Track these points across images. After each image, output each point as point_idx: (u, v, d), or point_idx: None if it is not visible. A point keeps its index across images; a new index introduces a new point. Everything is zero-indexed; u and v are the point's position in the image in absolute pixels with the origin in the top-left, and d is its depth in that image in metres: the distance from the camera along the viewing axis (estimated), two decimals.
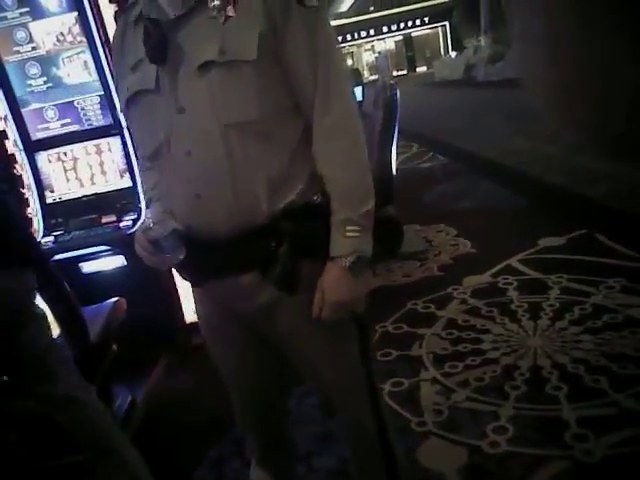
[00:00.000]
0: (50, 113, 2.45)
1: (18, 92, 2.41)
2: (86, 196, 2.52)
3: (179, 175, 1.03)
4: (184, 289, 2.63)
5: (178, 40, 0.98)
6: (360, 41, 31.04)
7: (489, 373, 2.11)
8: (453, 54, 21.51)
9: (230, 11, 0.96)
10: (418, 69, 30.39)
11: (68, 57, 2.38)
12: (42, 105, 2.44)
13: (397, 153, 3.56)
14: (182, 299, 2.64)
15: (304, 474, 1.77)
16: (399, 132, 3.46)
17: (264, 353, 1.19)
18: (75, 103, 2.44)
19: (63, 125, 2.47)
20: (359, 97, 8.03)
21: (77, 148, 2.50)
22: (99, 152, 2.52)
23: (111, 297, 2.10)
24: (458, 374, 2.15)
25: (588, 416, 1.78)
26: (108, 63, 2.34)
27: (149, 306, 2.39)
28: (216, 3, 0.96)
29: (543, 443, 1.71)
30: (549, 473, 1.60)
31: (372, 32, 30.34)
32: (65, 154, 2.51)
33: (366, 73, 27.37)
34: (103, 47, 2.33)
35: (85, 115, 2.46)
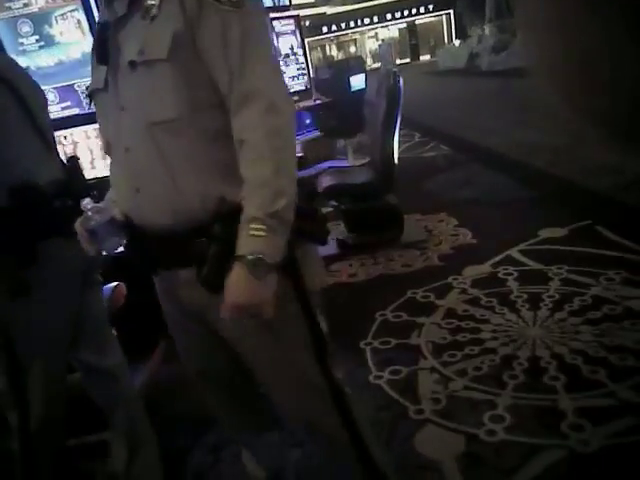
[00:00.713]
0: (50, 96, 2.43)
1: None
2: (87, 180, 2.51)
3: (121, 169, 1.08)
4: None
5: (119, 40, 1.03)
6: (363, 28, 30.76)
7: (487, 362, 2.12)
8: (457, 42, 21.33)
9: (155, 11, 0.98)
10: (422, 57, 30.16)
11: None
12: (42, 88, 2.41)
13: (399, 142, 3.54)
14: None
15: (299, 460, 1.77)
16: (401, 121, 3.44)
17: (222, 346, 1.18)
18: (75, 86, 2.42)
19: (63, 108, 2.46)
20: (362, 85, 7.98)
21: (77, 132, 2.49)
22: (99, 136, 2.50)
23: (111, 282, 2.09)
24: (456, 363, 2.15)
25: (585, 406, 1.79)
26: None
27: (149, 291, 2.38)
28: (147, 3, 0.99)
29: (540, 432, 1.72)
30: (545, 462, 1.61)
31: (376, 19, 30.06)
32: (65, 138, 2.50)
33: (369, 61, 27.16)
34: None
35: (86, 98, 2.45)
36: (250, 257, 0.95)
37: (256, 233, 0.95)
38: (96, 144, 2.52)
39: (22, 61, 2.34)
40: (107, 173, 2.58)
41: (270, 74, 1.01)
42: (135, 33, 1.01)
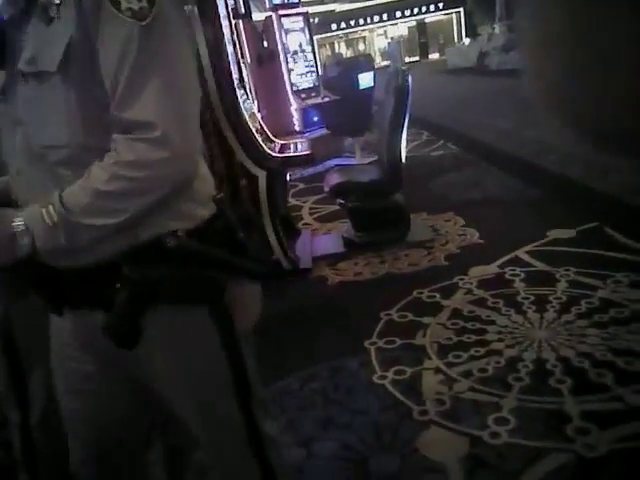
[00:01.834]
0: None
1: None
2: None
3: (16, 192, 0.95)
4: None
5: (19, 43, 0.87)
6: (372, 26, 30.65)
7: (493, 364, 2.11)
8: (467, 41, 21.22)
9: (53, 11, 0.83)
10: (431, 56, 30.02)
11: None
12: None
13: (407, 141, 3.53)
14: None
15: (304, 459, 1.77)
16: (410, 119, 3.42)
17: (125, 393, 1.05)
18: None
19: None
20: (370, 83, 7.96)
21: None
22: None
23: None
24: (461, 364, 2.14)
25: (591, 410, 1.77)
26: None
27: None
28: (42, 1, 0.84)
29: (545, 436, 1.70)
30: (550, 466, 1.59)
31: (385, 17, 29.94)
32: None
33: (378, 59, 27.08)
34: None
35: None
36: (19, 223, 0.84)
37: (46, 215, 0.83)
38: None
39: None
40: None
41: (164, 104, 0.84)
42: (32, 36, 0.86)
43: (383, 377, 2.14)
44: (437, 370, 2.13)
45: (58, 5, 0.82)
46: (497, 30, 17.14)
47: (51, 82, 0.83)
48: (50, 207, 0.84)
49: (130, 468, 1.11)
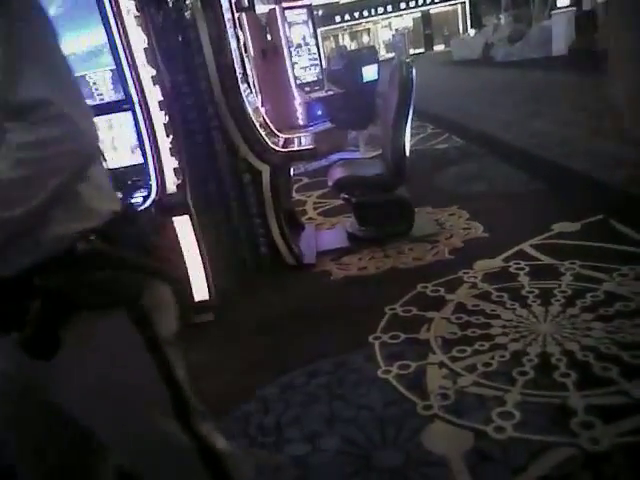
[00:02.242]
0: None
1: None
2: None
3: None
4: (194, 268, 2.65)
5: None
6: (377, 17, 30.46)
7: (497, 358, 2.10)
8: (472, 32, 21.05)
9: None
10: (436, 47, 29.81)
11: None
12: None
13: (411, 134, 3.51)
14: (191, 277, 2.65)
15: (309, 454, 1.78)
16: (414, 112, 3.40)
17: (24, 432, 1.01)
18: (86, 77, 2.42)
19: None
20: (375, 76, 7.91)
21: None
22: (110, 127, 2.51)
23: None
24: (466, 358, 2.14)
25: (596, 404, 1.77)
26: (120, 38, 2.31)
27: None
28: None
29: (549, 430, 1.70)
30: (554, 460, 1.59)
31: (389, 8, 29.74)
32: None
33: (383, 51, 26.92)
34: (115, 21, 2.30)
35: (97, 89, 2.45)
36: None
37: None
38: (107, 135, 2.52)
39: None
40: (117, 165, 2.60)
41: (54, 81, 0.84)
42: None
43: (387, 372, 2.14)
44: (441, 364, 2.13)
45: None
46: (502, 21, 16.99)
47: None
48: None
49: None
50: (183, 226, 2.57)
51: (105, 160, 1.00)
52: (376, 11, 29.79)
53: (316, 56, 6.91)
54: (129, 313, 0.92)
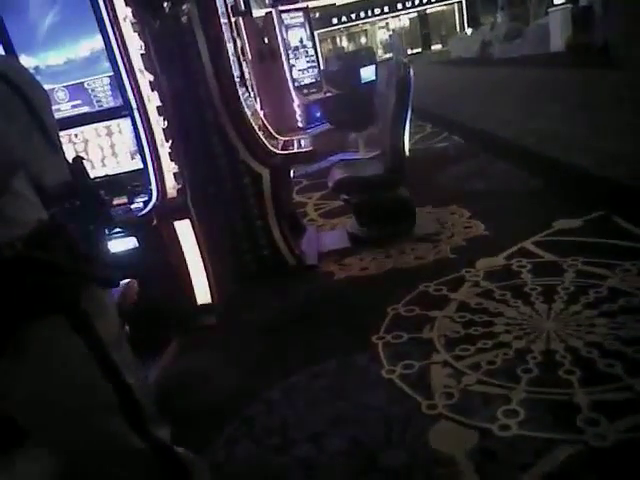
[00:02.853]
0: (60, 94, 2.44)
1: None
2: (97, 178, 2.53)
3: None
4: (196, 271, 2.65)
5: None
6: (374, 19, 30.46)
7: (501, 356, 2.10)
8: (469, 31, 21.06)
9: None
10: (433, 47, 29.80)
11: None
12: (52, 86, 2.43)
13: (410, 133, 3.51)
14: (194, 281, 2.65)
15: (314, 456, 1.78)
16: (413, 112, 3.40)
17: None
18: (85, 84, 2.43)
19: (74, 107, 2.46)
20: (372, 76, 7.92)
21: (88, 130, 2.50)
22: (110, 134, 2.51)
23: (123, 279, 2.10)
24: (470, 357, 2.14)
25: (601, 400, 1.76)
26: (118, 45, 2.32)
27: (161, 288, 2.40)
28: None
29: (554, 427, 1.70)
30: (560, 457, 1.59)
31: (386, 9, 29.74)
32: (76, 136, 2.51)
33: (380, 52, 26.92)
34: (112, 28, 2.31)
35: (95, 96, 2.46)
36: None
37: None
38: (107, 142, 2.53)
39: (31, 60, 2.35)
40: (116, 171, 2.60)
41: None
42: None
43: (391, 371, 2.14)
44: (445, 363, 2.13)
45: None
46: (499, 19, 17.00)
47: None
48: None
49: None
50: (184, 230, 2.58)
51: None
52: (373, 12, 29.79)
53: (314, 58, 6.93)
54: (68, 318, 0.92)
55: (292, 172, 4.07)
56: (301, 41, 6.76)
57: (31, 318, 0.88)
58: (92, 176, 2.51)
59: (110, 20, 2.30)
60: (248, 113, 3.09)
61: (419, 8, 30.06)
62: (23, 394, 0.92)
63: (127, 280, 2.10)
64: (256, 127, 3.13)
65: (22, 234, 0.89)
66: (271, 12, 6.24)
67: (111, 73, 2.39)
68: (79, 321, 0.93)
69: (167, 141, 2.49)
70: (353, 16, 29.33)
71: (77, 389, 0.94)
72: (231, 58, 3.04)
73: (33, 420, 0.96)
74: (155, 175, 2.46)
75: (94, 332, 0.95)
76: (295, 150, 3.31)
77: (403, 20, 31.10)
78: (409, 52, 26.60)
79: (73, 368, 0.94)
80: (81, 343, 0.93)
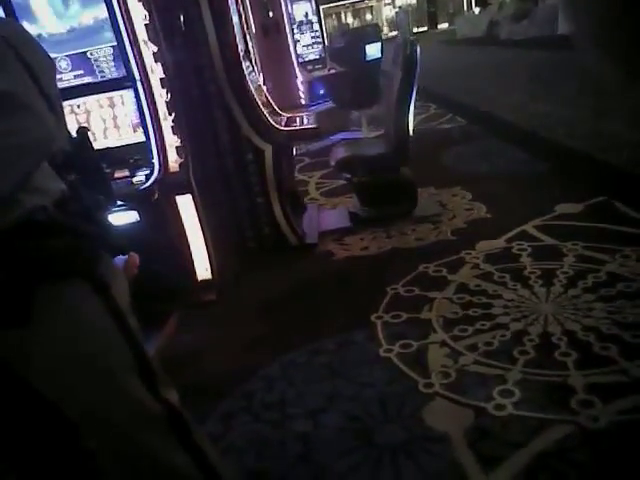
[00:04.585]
0: (63, 64, 2.41)
1: None
2: (99, 150, 2.51)
3: None
4: (196, 247, 2.65)
5: None
6: None
7: (498, 338, 2.12)
8: (477, 10, 20.71)
9: None
10: (440, 26, 29.32)
11: None
12: (55, 55, 2.39)
13: (415, 113, 3.48)
14: (194, 256, 2.66)
15: (311, 431, 1.81)
16: (417, 92, 3.37)
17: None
18: (88, 54, 2.40)
19: (76, 77, 2.43)
20: (378, 54, 7.81)
21: (90, 101, 2.48)
22: (112, 105, 2.49)
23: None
24: (467, 338, 2.15)
25: (596, 383, 1.79)
26: (122, 14, 2.28)
27: (161, 262, 2.40)
28: None
29: (549, 408, 1.72)
30: (554, 437, 1.61)
31: None
32: (78, 106, 2.49)
33: (386, 29, 26.50)
34: None
35: (98, 67, 2.43)
36: None
37: None
38: (109, 113, 2.51)
39: (33, 28, 2.31)
40: (118, 143, 2.58)
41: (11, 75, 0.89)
42: None
43: (389, 350, 2.16)
44: (443, 344, 2.15)
45: None
46: None
47: None
48: None
49: None
50: (185, 205, 2.57)
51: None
52: None
53: (318, 34, 6.82)
54: (88, 281, 0.95)
55: (295, 150, 4.05)
56: (306, 15, 6.65)
57: (56, 281, 0.90)
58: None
59: None
60: (252, 88, 3.05)
61: None
62: (49, 357, 0.94)
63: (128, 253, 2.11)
64: (260, 103, 3.10)
65: (49, 202, 0.91)
66: None
67: (114, 43, 2.36)
68: (99, 284, 0.96)
69: (170, 114, 2.47)
70: None
71: (100, 350, 0.97)
72: (236, 30, 2.99)
73: (59, 383, 0.98)
74: (157, 148, 2.45)
75: (112, 296, 0.98)
76: (298, 127, 3.29)
77: None
78: (415, 30, 26.18)
79: (96, 329, 0.97)
80: (101, 305, 0.96)
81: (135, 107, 2.44)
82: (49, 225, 0.90)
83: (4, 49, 0.92)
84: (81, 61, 2.41)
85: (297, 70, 6.19)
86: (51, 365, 0.95)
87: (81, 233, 0.94)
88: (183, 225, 2.59)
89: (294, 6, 6.40)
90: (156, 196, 2.45)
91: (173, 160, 2.49)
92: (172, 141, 2.48)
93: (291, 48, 6.18)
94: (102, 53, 2.39)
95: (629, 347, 1.92)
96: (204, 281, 2.71)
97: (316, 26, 6.77)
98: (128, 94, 2.44)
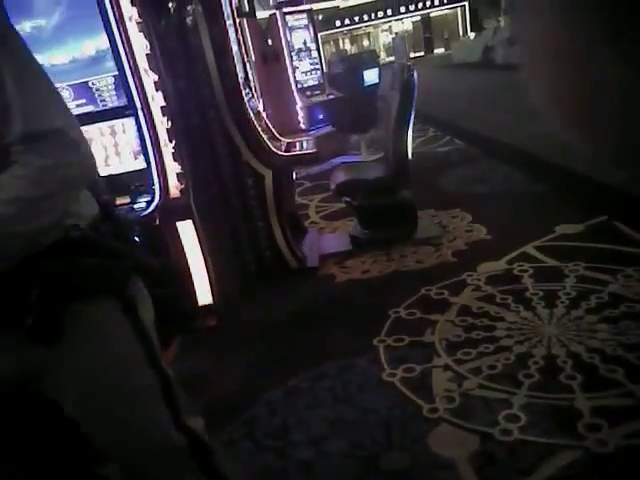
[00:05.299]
0: (65, 93, 2.44)
1: None
2: (100, 177, 2.53)
3: None
4: (197, 272, 2.65)
5: None
6: (377, 22, 30.52)
7: (502, 361, 2.10)
8: (472, 35, 21.08)
9: None
10: (436, 51, 29.85)
11: None
12: (58, 85, 2.42)
13: (413, 137, 3.51)
14: (195, 281, 2.65)
15: (314, 458, 1.77)
16: (415, 115, 3.41)
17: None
18: (90, 83, 2.43)
19: (78, 106, 2.47)
20: (376, 79, 7.93)
21: (92, 129, 2.50)
22: (113, 133, 2.52)
23: None
24: (471, 361, 2.13)
25: (602, 406, 1.76)
26: (123, 44, 2.32)
27: (162, 288, 2.40)
28: None
29: (555, 432, 1.70)
30: (561, 462, 1.59)
31: (389, 12, 29.80)
32: None
33: (383, 55, 26.96)
34: (118, 27, 2.31)
35: (100, 95, 2.46)
36: None
37: None
38: (110, 141, 2.53)
39: (38, 58, 2.34)
40: (120, 170, 2.60)
41: (59, 110, 0.93)
42: None
43: (392, 375, 2.14)
44: (446, 367, 2.13)
45: None
46: (502, 23, 17.02)
47: None
48: None
49: None
50: (186, 230, 2.58)
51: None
52: (376, 15, 29.85)
53: (317, 60, 6.92)
54: (117, 300, 0.96)
55: (294, 174, 4.08)
56: (305, 43, 6.76)
57: (86, 298, 0.92)
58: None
59: (116, 19, 2.30)
60: (251, 114, 3.09)
61: (422, 12, 30.12)
62: (74, 373, 0.95)
63: None
64: (259, 128, 3.13)
65: (84, 223, 0.95)
66: (275, 14, 6.24)
67: (116, 72, 2.39)
68: (127, 303, 0.97)
69: (170, 141, 2.49)
70: (356, 19, 29.40)
71: (124, 370, 0.98)
72: (235, 59, 3.04)
73: (82, 401, 0.98)
74: (158, 175, 2.47)
75: (140, 316, 0.99)
76: (298, 152, 3.32)
77: (406, 23, 31.16)
78: (412, 55, 26.62)
79: (121, 349, 0.97)
80: (129, 326, 0.97)
81: (136, 134, 2.47)
82: (82, 243, 0.92)
83: (55, 86, 0.97)
84: (83, 90, 2.44)
85: (296, 96, 6.26)
86: (72, 381, 0.95)
87: (113, 252, 0.96)
88: (184, 250, 2.59)
89: (293, 34, 6.51)
90: (157, 222, 2.46)
91: (174, 186, 2.51)
92: (173, 167, 2.50)
93: (290, 75, 6.26)
94: (104, 82, 2.43)
95: (635, 369, 1.90)
96: (205, 306, 2.70)
97: (314, 53, 6.88)
98: (129, 122, 2.47)
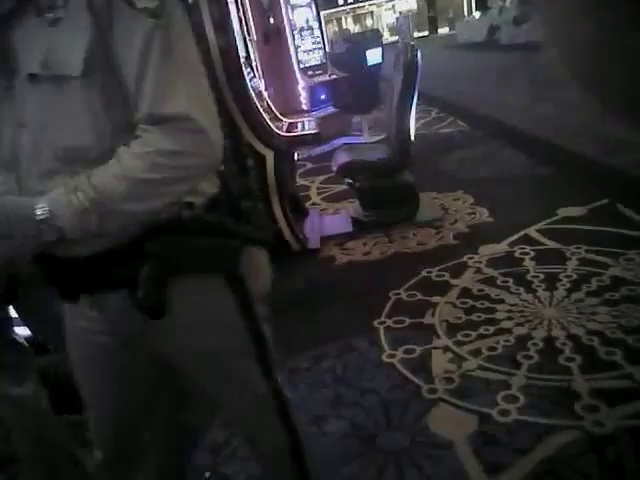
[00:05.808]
0: None
1: None
2: None
3: (15, 190, 0.91)
4: None
5: (12, 42, 0.86)
6: (380, 0, 30.05)
7: (502, 342, 2.11)
8: (477, 15, 20.75)
9: (60, 12, 0.82)
10: (440, 30, 29.41)
11: None
12: None
13: (416, 118, 3.48)
14: None
15: (315, 437, 1.79)
16: (419, 96, 3.37)
17: (137, 375, 1.08)
18: None
19: None
20: (379, 59, 7.83)
21: None
22: None
23: None
24: (471, 343, 2.14)
25: (601, 388, 1.77)
26: None
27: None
28: (41, 1, 0.83)
29: (553, 413, 1.71)
30: (559, 442, 1.60)
31: None
32: None
33: (386, 34, 26.59)
34: None
35: None
36: (43, 209, 0.83)
37: (75, 201, 0.83)
38: None
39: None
40: None
41: (194, 97, 0.89)
42: (32, 37, 0.84)
43: (392, 356, 2.15)
44: (446, 349, 2.14)
45: (62, 6, 0.82)
46: (508, 3, 16.74)
47: (71, 85, 0.83)
48: (79, 193, 0.84)
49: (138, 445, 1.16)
50: None
51: None
52: None
53: (319, 39, 6.83)
54: (227, 279, 0.98)
55: (296, 155, 4.05)
56: (307, 21, 6.65)
57: (194, 276, 0.94)
58: None
59: None
60: (253, 94, 3.06)
61: None
62: (180, 347, 1.01)
63: None
64: (261, 108, 3.10)
65: (200, 201, 0.95)
66: None
67: None
68: (236, 282, 0.99)
69: None
70: None
71: (222, 339, 1.03)
72: (237, 37, 3.00)
73: (184, 366, 1.06)
74: None
75: (247, 293, 1.02)
76: (300, 132, 3.29)
77: (410, 2, 30.66)
78: (416, 35, 26.25)
79: (223, 322, 1.01)
80: (234, 302, 1.01)
81: None
82: (194, 223, 0.93)
83: (198, 69, 0.94)
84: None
85: (298, 76, 6.19)
86: (178, 352, 1.02)
87: (224, 232, 0.97)
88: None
89: (295, 12, 6.41)
90: None
91: None
92: None
93: (292, 54, 6.18)
94: None
95: (634, 351, 1.91)
96: None
97: (317, 32, 6.78)
98: None
